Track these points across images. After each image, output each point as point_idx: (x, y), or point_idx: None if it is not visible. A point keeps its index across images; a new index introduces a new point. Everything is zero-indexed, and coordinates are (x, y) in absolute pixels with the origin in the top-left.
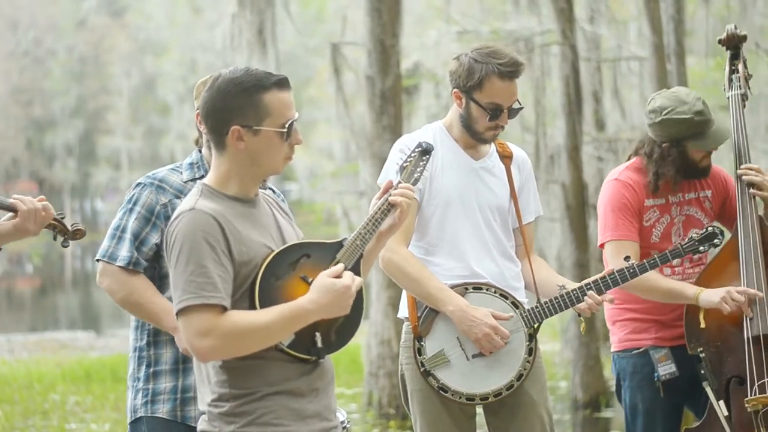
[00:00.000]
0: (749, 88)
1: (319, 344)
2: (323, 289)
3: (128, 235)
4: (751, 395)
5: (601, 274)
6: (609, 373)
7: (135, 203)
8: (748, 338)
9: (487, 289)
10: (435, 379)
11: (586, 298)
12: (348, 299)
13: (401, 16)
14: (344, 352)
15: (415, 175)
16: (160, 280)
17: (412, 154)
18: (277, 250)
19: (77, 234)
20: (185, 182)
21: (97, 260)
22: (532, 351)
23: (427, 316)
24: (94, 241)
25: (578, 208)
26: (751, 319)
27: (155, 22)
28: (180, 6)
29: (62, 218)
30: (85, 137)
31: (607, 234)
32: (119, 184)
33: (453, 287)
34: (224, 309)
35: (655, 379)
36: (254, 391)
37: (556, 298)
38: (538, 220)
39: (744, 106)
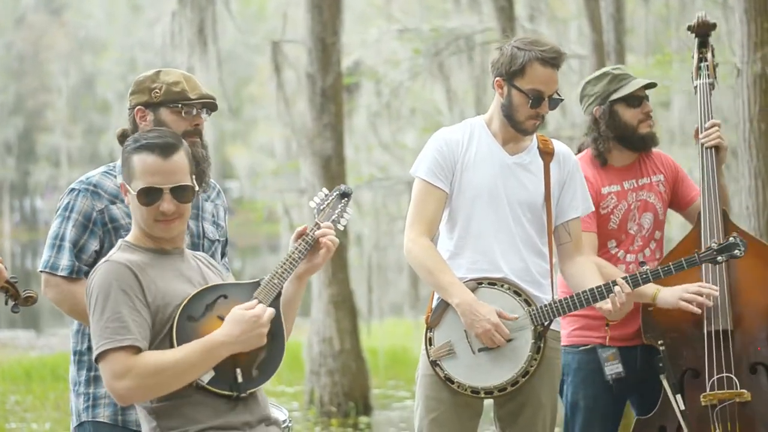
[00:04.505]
0: (716, 77)
1: (240, 379)
2: (234, 321)
3: (67, 244)
4: (708, 390)
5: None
6: None
7: (71, 210)
8: (708, 332)
9: (501, 285)
10: (441, 369)
11: (615, 288)
12: (259, 328)
13: (342, 14)
14: (286, 349)
15: (333, 217)
16: None
17: (331, 198)
18: (192, 293)
19: (28, 301)
20: (119, 186)
21: (41, 271)
22: (539, 349)
23: (438, 307)
24: (33, 240)
25: None
26: (709, 315)
27: (94, 20)
28: (119, 4)
29: (15, 282)
30: (25, 135)
31: None
32: (59, 182)
33: (467, 281)
34: (139, 350)
35: (607, 377)
36: (183, 430)
37: (566, 298)
38: None
39: (711, 95)
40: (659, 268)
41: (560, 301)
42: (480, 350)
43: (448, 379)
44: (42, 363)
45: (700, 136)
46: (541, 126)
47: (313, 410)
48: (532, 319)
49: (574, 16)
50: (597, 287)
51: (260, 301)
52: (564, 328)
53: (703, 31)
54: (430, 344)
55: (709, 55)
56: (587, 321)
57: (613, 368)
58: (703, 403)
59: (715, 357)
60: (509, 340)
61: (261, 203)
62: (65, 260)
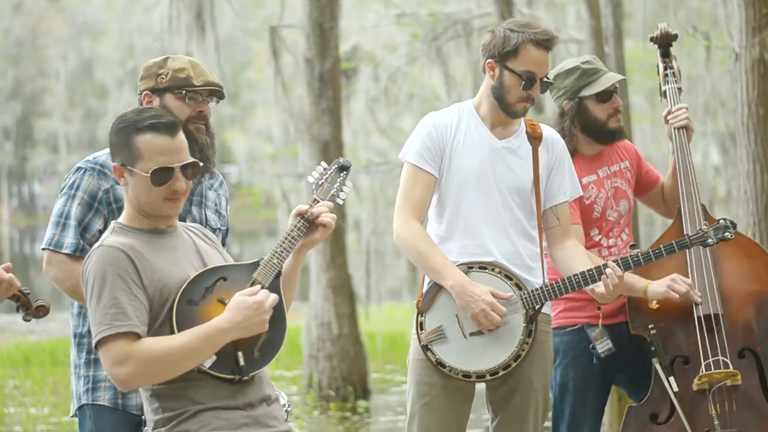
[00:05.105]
0: (680, 82)
1: (242, 362)
2: (236, 308)
3: (72, 222)
4: (702, 373)
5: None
6: None
7: (77, 189)
8: (698, 317)
9: (491, 269)
10: (433, 353)
11: (606, 270)
12: (262, 315)
13: None
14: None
15: (332, 192)
16: None
17: (329, 172)
18: (191, 276)
19: (40, 311)
20: (113, 169)
21: (43, 249)
22: (531, 333)
23: (429, 291)
24: (31, 225)
25: None
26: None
27: (92, 5)
28: None
29: (27, 293)
30: (23, 120)
31: None
32: (57, 167)
33: (457, 266)
34: (138, 336)
35: (594, 356)
36: (184, 410)
37: (558, 281)
38: None
39: (680, 99)
40: (650, 251)
41: (551, 284)
42: (471, 334)
43: (440, 364)
44: (40, 347)
45: (669, 117)
46: (538, 111)
47: (311, 394)
48: (523, 302)
49: (571, 1)
50: (588, 270)
51: (260, 282)
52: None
53: (665, 42)
54: (421, 329)
55: (673, 63)
56: (572, 302)
57: (603, 345)
58: (695, 388)
59: (708, 341)
60: (503, 320)
61: (259, 188)
62: (70, 238)
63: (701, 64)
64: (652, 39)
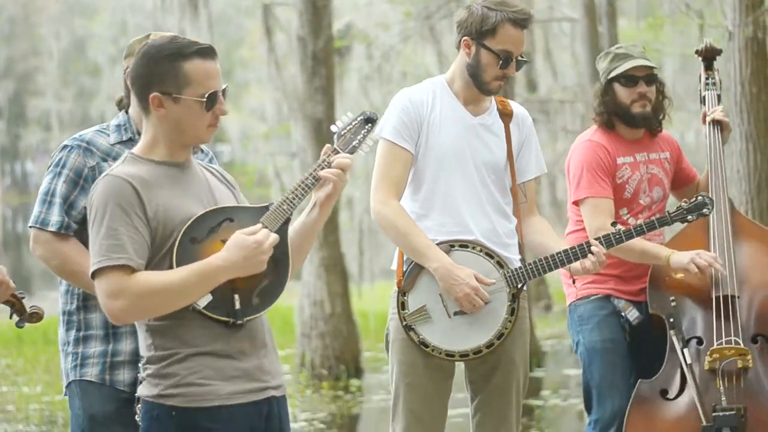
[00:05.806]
0: (721, 89)
1: (237, 306)
2: (235, 246)
3: (57, 199)
4: (714, 347)
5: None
6: (540, 332)
7: (63, 166)
8: (717, 297)
9: (473, 248)
10: (416, 333)
11: (592, 248)
12: (260, 255)
13: None
14: (276, 313)
15: (354, 143)
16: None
17: (354, 122)
18: (197, 214)
19: (33, 317)
20: (112, 145)
21: (30, 227)
22: (514, 311)
23: (411, 270)
24: (24, 203)
25: None
26: (717, 281)
27: None
28: None
29: (22, 298)
30: (15, 99)
31: (582, 192)
32: (50, 146)
33: (438, 244)
34: (133, 270)
35: (625, 324)
36: (175, 352)
37: (541, 260)
38: None
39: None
40: (632, 228)
41: (534, 262)
42: (455, 314)
43: (423, 344)
44: (33, 326)
45: (707, 117)
46: (531, 90)
47: (304, 373)
48: (507, 281)
49: None
50: (571, 248)
51: (266, 227)
52: (572, 287)
53: (710, 55)
54: (403, 308)
55: (715, 74)
56: (596, 276)
57: (632, 314)
58: (706, 366)
59: (723, 321)
60: (486, 303)
61: (252, 167)
62: (55, 216)
63: (694, 43)
64: (697, 52)
